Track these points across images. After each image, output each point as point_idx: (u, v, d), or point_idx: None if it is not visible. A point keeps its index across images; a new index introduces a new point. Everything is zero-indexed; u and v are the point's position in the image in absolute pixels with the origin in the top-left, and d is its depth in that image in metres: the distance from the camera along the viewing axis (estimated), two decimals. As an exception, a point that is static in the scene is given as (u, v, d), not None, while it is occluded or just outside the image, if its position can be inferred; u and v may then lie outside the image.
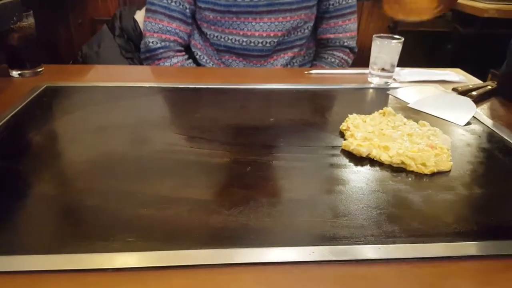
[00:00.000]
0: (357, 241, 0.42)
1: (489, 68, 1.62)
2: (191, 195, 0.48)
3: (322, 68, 1.10)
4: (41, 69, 0.89)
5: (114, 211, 0.45)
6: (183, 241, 0.41)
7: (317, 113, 0.72)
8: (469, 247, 0.42)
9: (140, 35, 1.13)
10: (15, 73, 0.86)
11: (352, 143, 0.58)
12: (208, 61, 1.09)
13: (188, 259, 0.39)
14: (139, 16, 1.19)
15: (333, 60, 1.12)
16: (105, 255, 0.39)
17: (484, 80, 0.95)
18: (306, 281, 0.37)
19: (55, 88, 0.80)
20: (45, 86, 0.80)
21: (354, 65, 1.15)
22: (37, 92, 0.77)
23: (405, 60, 0.90)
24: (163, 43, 1.03)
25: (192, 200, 0.47)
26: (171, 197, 0.48)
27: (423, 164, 0.54)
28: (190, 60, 1.08)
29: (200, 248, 0.40)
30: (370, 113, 0.70)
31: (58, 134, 0.64)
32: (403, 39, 0.85)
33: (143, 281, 0.37)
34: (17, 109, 0.69)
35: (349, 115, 0.68)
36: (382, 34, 0.87)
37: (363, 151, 0.57)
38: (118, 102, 0.75)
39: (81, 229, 0.43)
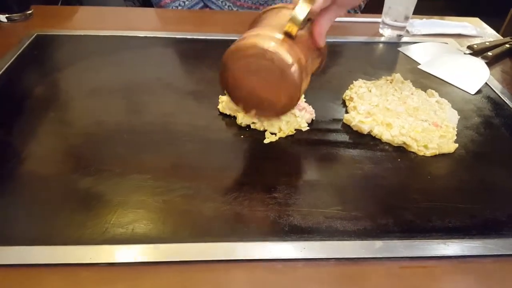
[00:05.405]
0: (349, 236, 0.41)
1: (508, 7, 1.50)
2: (185, 178, 0.47)
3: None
4: (30, 12, 0.84)
5: (106, 195, 0.44)
6: (172, 234, 0.40)
7: (319, 75, 0.68)
8: (464, 245, 0.41)
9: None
10: (2, 17, 0.81)
11: (354, 118, 0.55)
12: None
13: (174, 255, 0.38)
14: None
15: None
16: (94, 248, 0.38)
17: (502, 22, 0.88)
18: (294, 281, 0.38)
19: (46, 38, 0.76)
20: (36, 34, 0.76)
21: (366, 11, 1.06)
22: (26, 44, 0.72)
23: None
24: None
25: (186, 184, 0.46)
26: (165, 179, 0.46)
27: (425, 146, 0.52)
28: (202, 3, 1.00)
29: (191, 242, 0.39)
30: (377, 75, 0.66)
31: (47, 99, 0.59)
32: (421, -13, 0.78)
33: (136, 277, 0.37)
34: (4, 68, 0.64)
35: (354, 81, 0.64)
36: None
37: (365, 128, 0.54)
38: (113, 57, 0.71)
39: (71, 216, 0.42)
